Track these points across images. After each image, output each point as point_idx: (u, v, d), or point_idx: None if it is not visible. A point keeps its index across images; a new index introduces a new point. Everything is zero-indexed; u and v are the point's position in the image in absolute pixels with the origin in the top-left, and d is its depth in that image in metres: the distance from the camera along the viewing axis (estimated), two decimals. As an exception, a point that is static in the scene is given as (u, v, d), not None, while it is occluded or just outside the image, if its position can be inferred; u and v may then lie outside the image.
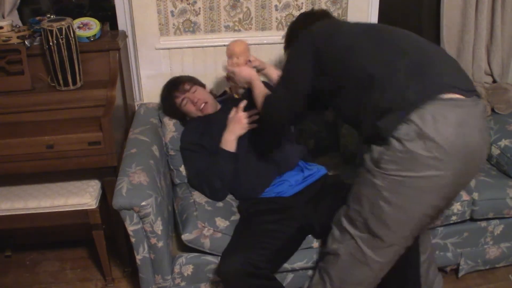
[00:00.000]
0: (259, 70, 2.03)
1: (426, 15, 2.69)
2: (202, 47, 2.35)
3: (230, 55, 2.01)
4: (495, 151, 2.30)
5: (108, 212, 2.06)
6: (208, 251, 1.83)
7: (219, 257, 1.85)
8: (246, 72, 1.93)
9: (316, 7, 2.36)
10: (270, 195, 1.97)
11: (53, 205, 1.97)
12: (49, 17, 2.00)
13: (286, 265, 1.87)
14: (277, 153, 2.02)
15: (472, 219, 2.09)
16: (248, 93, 1.97)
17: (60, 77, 1.98)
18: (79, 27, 2.09)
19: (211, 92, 2.25)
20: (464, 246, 2.13)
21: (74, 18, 2.05)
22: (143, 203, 1.67)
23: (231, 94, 2.18)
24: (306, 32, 1.67)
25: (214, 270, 1.86)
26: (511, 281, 2.23)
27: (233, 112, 2.03)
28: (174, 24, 2.32)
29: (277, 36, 2.40)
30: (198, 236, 1.82)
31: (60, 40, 1.90)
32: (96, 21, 2.14)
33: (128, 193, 1.68)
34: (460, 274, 2.19)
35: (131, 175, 1.75)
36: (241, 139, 1.99)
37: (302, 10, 2.38)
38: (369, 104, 1.47)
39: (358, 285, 1.61)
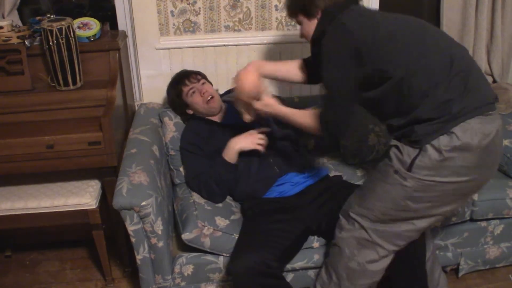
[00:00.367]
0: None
1: (426, 15, 2.69)
2: (202, 47, 2.35)
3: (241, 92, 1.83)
4: (499, 157, 2.29)
5: (108, 212, 2.06)
6: (208, 250, 1.83)
7: (220, 257, 1.86)
8: (267, 107, 1.80)
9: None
10: (273, 195, 1.97)
11: (53, 205, 1.97)
12: (49, 17, 2.00)
13: (287, 265, 1.87)
14: (278, 155, 2.02)
15: (472, 219, 2.09)
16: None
17: (60, 77, 1.98)
18: (79, 27, 2.09)
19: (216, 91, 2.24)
20: (464, 246, 2.13)
21: (74, 18, 2.05)
22: (143, 203, 1.67)
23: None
24: (340, 30, 1.53)
25: (219, 270, 1.86)
26: (511, 281, 2.23)
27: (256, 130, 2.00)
28: (174, 24, 2.32)
29: (277, 36, 2.41)
30: (198, 235, 1.82)
31: (60, 40, 1.90)
32: (96, 21, 2.14)
33: (128, 193, 1.68)
34: (460, 274, 2.19)
35: (131, 175, 1.75)
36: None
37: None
38: (410, 106, 1.48)
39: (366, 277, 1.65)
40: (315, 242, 1.90)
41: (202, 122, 2.12)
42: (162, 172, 1.98)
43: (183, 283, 1.88)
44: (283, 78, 1.94)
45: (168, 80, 2.25)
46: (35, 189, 2.04)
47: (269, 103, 1.79)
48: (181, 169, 2.16)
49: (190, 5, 2.29)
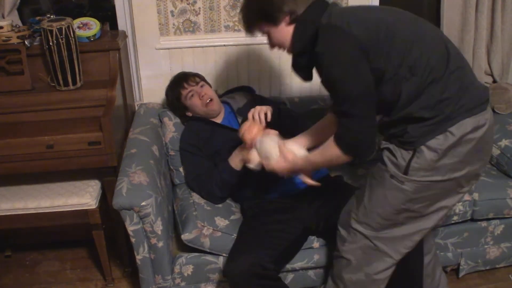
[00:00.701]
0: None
1: (426, 15, 2.69)
2: (202, 47, 2.35)
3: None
4: (495, 151, 2.30)
5: (108, 212, 2.06)
6: (208, 250, 1.83)
7: (219, 257, 1.85)
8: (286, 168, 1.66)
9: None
10: (273, 195, 1.97)
11: (53, 205, 1.97)
12: (49, 17, 2.00)
13: (287, 265, 1.87)
14: None
15: (472, 219, 2.09)
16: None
17: (60, 77, 1.98)
18: (79, 27, 2.09)
19: (215, 92, 2.24)
20: (464, 246, 2.13)
21: (74, 18, 2.05)
22: (143, 203, 1.67)
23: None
24: (339, 34, 1.40)
25: (219, 270, 1.86)
26: (511, 281, 2.22)
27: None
28: (174, 24, 2.32)
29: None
30: (198, 235, 1.82)
31: (60, 40, 1.90)
32: (96, 21, 2.14)
33: (128, 193, 1.68)
34: (460, 274, 2.19)
35: (131, 175, 1.75)
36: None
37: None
38: (403, 103, 1.42)
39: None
40: (315, 242, 1.90)
41: (201, 123, 2.12)
42: (162, 172, 1.98)
43: (183, 283, 1.88)
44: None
45: (168, 80, 2.25)
46: (35, 189, 2.04)
47: (281, 160, 1.63)
48: (181, 169, 2.16)
49: (190, 5, 2.29)
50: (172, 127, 2.18)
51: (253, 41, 2.36)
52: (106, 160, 1.93)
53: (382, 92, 1.43)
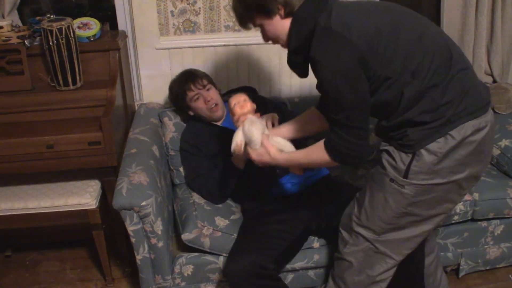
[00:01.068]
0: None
1: (426, 15, 2.69)
2: (202, 47, 2.35)
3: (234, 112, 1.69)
4: (495, 151, 2.30)
5: (108, 212, 2.06)
6: (208, 250, 1.83)
7: (220, 257, 1.85)
8: (263, 158, 1.63)
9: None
10: (273, 195, 1.97)
11: (53, 205, 1.97)
12: (49, 17, 2.00)
13: (287, 265, 1.87)
14: None
15: (472, 219, 2.09)
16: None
17: (60, 77, 1.98)
18: (79, 27, 2.09)
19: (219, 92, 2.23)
20: (464, 246, 2.13)
21: (74, 18, 2.05)
22: (143, 203, 1.67)
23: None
24: (337, 41, 1.34)
25: (219, 270, 1.86)
26: (511, 281, 2.22)
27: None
28: (174, 24, 2.32)
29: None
30: (198, 235, 1.82)
31: (60, 40, 1.90)
32: (96, 21, 2.14)
33: (128, 193, 1.68)
34: (460, 275, 2.19)
35: (131, 175, 1.75)
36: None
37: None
38: (404, 107, 1.39)
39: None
40: (315, 242, 1.90)
41: (202, 124, 2.12)
42: (162, 172, 1.98)
43: (183, 283, 1.88)
44: (306, 135, 1.77)
45: (168, 80, 2.24)
46: (35, 189, 2.03)
47: (263, 152, 1.60)
48: (181, 169, 2.16)
49: (190, 5, 2.29)
50: (172, 127, 2.18)
51: (253, 41, 2.36)
52: (106, 160, 1.93)
53: (382, 96, 1.40)
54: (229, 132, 2.02)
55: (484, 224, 2.11)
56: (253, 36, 2.37)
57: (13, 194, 2.01)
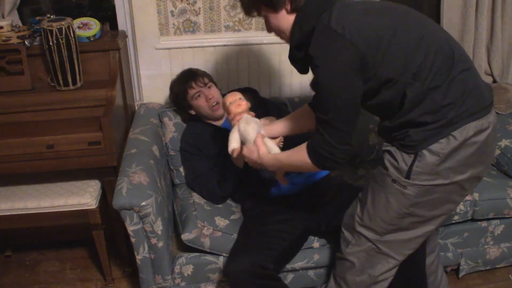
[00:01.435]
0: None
1: (426, 15, 2.69)
2: (202, 47, 2.35)
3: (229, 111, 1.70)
4: (495, 151, 2.30)
5: (108, 212, 2.06)
6: (208, 250, 1.83)
7: (220, 257, 1.86)
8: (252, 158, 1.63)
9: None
10: (273, 195, 1.97)
11: (53, 205, 1.97)
12: (49, 17, 2.00)
13: (287, 265, 1.87)
14: None
15: (472, 219, 2.09)
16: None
17: (60, 77, 1.98)
18: (79, 27, 2.09)
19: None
20: (464, 246, 2.13)
21: (74, 18, 2.05)
22: (143, 203, 1.67)
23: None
24: (337, 41, 1.34)
25: (219, 270, 1.86)
26: (511, 281, 2.22)
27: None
28: (174, 24, 2.32)
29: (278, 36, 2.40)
30: (198, 235, 1.82)
31: (60, 40, 1.90)
32: (96, 21, 2.14)
33: (128, 193, 1.68)
34: (460, 275, 2.19)
35: (131, 175, 1.75)
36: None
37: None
38: (406, 109, 1.39)
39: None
40: (315, 242, 1.90)
41: (202, 124, 2.11)
42: (162, 172, 1.98)
43: (183, 283, 1.88)
44: (297, 133, 1.74)
45: (168, 80, 2.25)
46: (35, 189, 2.03)
47: (253, 150, 1.60)
48: (181, 169, 2.16)
49: (190, 5, 2.29)
50: (172, 127, 2.18)
51: (253, 41, 2.37)
52: (106, 160, 1.93)
53: (384, 97, 1.40)
54: (229, 133, 2.03)
55: (484, 224, 2.11)
56: (253, 36, 2.39)
57: (13, 194, 2.01)
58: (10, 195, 2.00)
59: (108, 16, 2.41)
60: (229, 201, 2.04)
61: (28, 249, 2.43)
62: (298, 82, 2.46)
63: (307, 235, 1.89)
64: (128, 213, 1.69)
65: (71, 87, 2.02)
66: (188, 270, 1.86)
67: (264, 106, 2.15)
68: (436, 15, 2.55)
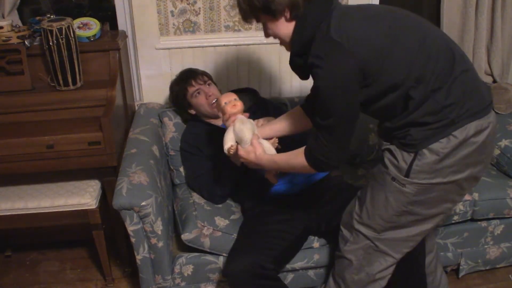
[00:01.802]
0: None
1: (426, 15, 2.69)
2: (202, 47, 2.35)
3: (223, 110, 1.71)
4: (495, 151, 2.30)
5: (108, 212, 2.06)
6: (208, 250, 1.83)
7: (220, 257, 1.86)
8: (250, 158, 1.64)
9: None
10: (273, 195, 1.96)
11: (53, 205, 1.97)
12: (49, 17, 2.00)
13: (287, 265, 1.87)
14: None
15: (472, 219, 2.09)
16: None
17: (60, 77, 1.98)
18: (79, 27, 2.09)
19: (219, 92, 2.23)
20: (464, 246, 2.13)
21: (74, 18, 2.05)
22: (143, 203, 1.67)
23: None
24: (337, 51, 1.34)
25: (219, 270, 1.86)
26: (511, 281, 2.22)
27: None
28: (174, 24, 2.32)
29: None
30: (198, 235, 1.82)
31: (60, 40, 1.90)
32: (96, 21, 2.14)
33: (128, 193, 1.68)
34: (460, 274, 2.19)
35: (131, 175, 1.75)
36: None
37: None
38: (407, 111, 1.40)
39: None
40: (315, 242, 1.90)
41: (202, 124, 2.12)
42: (162, 172, 1.98)
43: (183, 283, 1.88)
44: (290, 134, 1.77)
45: (168, 80, 2.25)
46: (35, 189, 2.04)
47: (250, 150, 1.62)
48: (181, 169, 2.16)
49: (190, 5, 2.29)
50: (172, 127, 2.18)
51: (253, 41, 2.37)
52: (106, 160, 1.93)
53: (387, 101, 1.41)
54: None
55: (484, 224, 2.11)
56: (253, 36, 2.39)
57: (13, 194, 2.01)
58: (10, 195, 2.00)
59: (108, 16, 2.41)
60: (229, 201, 2.04)
61: (28, 249, 2.43)
62: (298, 82, 2.46)
63: (307, 235, 1.89)
64: (128, 213, 1.69)
65: (71, 87, 2.02)
66: (188, 270, 1.86)
67: (264, 106, 2.15)
68: (436, 15, 2.55)
